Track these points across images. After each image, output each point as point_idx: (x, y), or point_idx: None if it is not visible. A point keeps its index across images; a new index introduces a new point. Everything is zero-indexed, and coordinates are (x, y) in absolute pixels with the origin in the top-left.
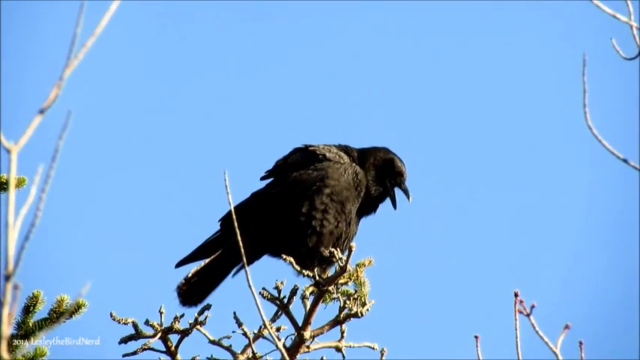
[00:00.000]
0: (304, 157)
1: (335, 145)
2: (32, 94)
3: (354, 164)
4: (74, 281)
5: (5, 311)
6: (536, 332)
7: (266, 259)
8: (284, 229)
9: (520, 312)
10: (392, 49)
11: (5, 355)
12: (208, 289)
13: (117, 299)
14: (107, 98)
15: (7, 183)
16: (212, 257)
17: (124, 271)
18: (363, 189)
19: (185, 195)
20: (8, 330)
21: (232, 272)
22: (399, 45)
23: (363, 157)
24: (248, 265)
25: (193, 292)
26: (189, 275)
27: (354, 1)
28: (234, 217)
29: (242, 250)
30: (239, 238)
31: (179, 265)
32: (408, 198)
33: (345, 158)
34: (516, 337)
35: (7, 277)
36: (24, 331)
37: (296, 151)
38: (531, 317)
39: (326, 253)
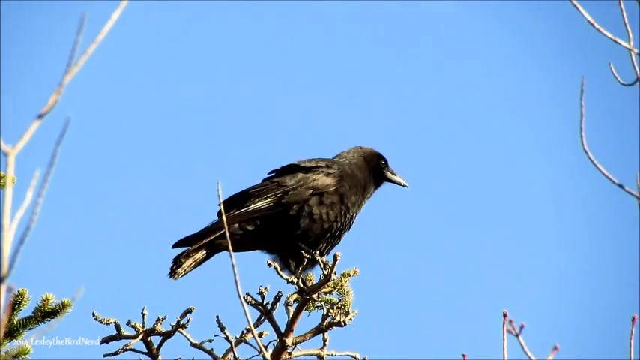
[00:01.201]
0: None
1: (339, 156)
2: (33, 99)
3: (361, 166)
4: (69, 284)
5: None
6: (525, 352)
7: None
8: (284, 214)
9: (509, 332)
10: (391, 52)
11: (2, 354)
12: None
13: (114, 301)
14: (105, 103)
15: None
16: (210, 237)
17: (121, 273)
18: (369, 189)
19: (181, 200)
20: (3, 331)
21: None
22: (397, 48)
23: (362, 159)
24: (245, 250)
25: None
26: (191, 249)
27: (358, 1)
28: (225, 226)
29: (230, 244)
30: (229, 241)
31: (176, 246)
32: (405, 184)
33: (355, 162)
34: (504, 358)
35: (1, 279)
36: (8, 329)
37: (304, 162)
38: (520, 337)
39: (316, 257)
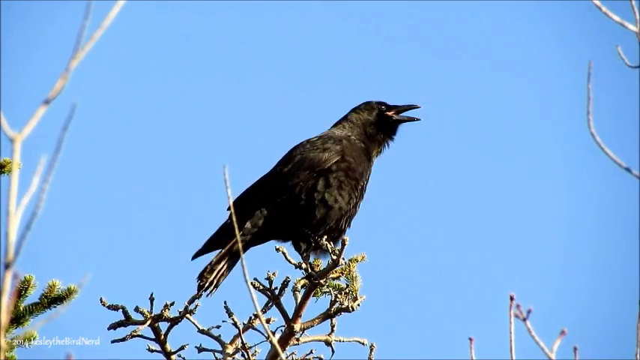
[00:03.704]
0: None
1: (329, 132)
2: (39, 84)
3: (354, 132)
4: (76, 270)
5: (4, 299)
6: (533, 337)
7: (260, 248)
8: (294, 204)
9: (516, 316)
10: (391, 49)
11: (4, 343)
12: (225, 273)
13: (122, 287)
14: (112, 92)
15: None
16: (228, 245)
17: (129, 259)
18: (374, 149)
19: (187, 187)
20: (7, 318)
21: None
22: (398, 46)
23: (352, 122)
24: (259, 243)
25: (213, 276)
26: (213, 262)
27: (359, 2)
28: (232, 209)
29: (236, 229)
30: (236, 227)
31: (195, 257)
32: (417, 118)
33: (345, 132)
34: (511, 341)
35: (7, 266)
36: (14, 316)
37: (298, 146)
38: (527, 322)
39: (323, 243)
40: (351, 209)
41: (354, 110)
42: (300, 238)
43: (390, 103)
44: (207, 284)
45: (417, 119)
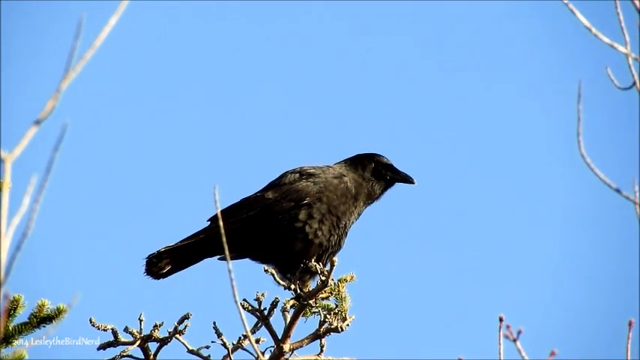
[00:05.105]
0: (300, 176)
1: (327, 165)
2: (30, 104)
3: (350, 175)
4: (66, 289)
5: None
6: (522, 358)
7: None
8: (274, 233)
9: (506, 337)
10: (393, 53)
11: None
12: (176, 268)
13: (111, 307)
14: (103, 108)
15: None
16: (191, 240)
17: (119, 279)
18: (363, 197)
19: (180, 206)
20: (0, 336)
21: (217, 258)
22: (399, 49)
23: (353, 166)
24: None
25: (162, 265)
26: (162, 249)
27: (361, 1)
28: (220, 220)
29: (227, 250)
30: (224, 239)
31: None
32: (413, 182)
33: (341, 171)
34: None
35: None
36: (3, 335)
37: (291, 172)
38: (517, 343)
39: (312, 265)
40: (333, 246)
41: (358, 155)
42: (285, 262)
43: (396, 163)
44: (152, 269)
45: (411, 182)
